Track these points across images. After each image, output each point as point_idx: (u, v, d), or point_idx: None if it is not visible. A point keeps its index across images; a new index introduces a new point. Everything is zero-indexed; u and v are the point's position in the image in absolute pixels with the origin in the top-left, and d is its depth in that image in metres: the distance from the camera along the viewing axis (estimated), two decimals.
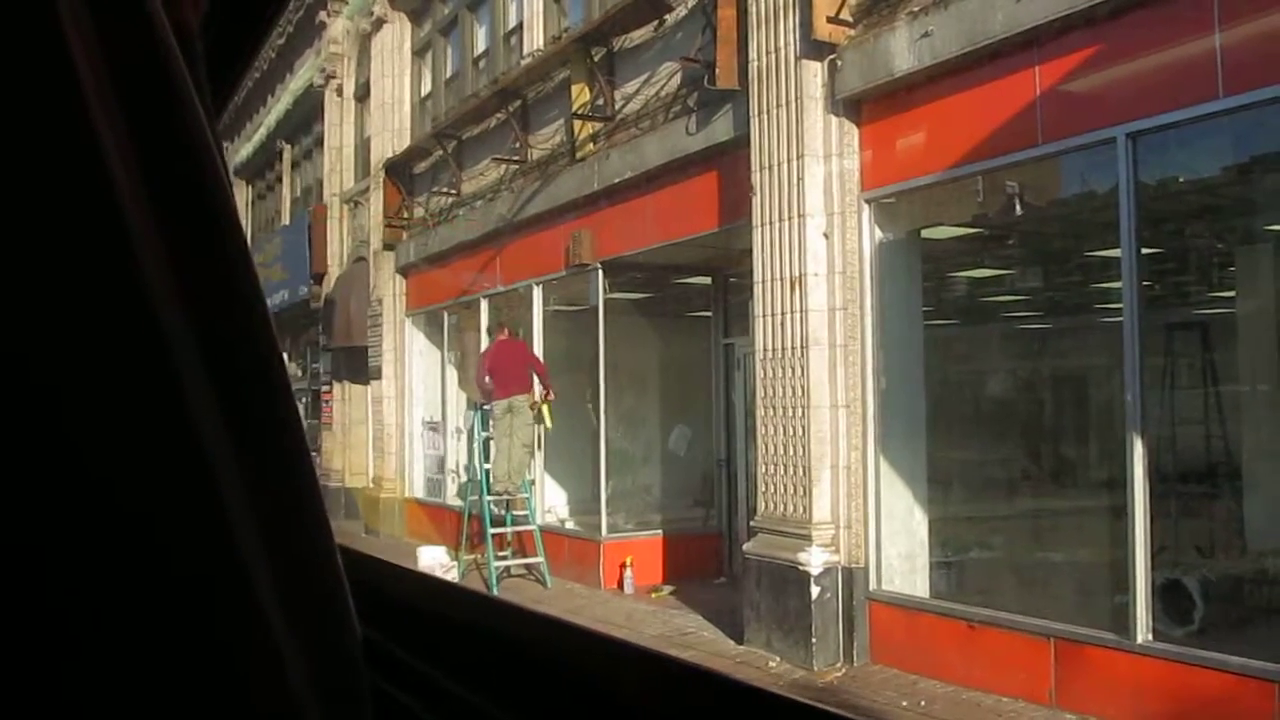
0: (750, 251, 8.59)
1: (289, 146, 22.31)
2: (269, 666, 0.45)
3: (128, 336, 0.43)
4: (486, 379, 11.69)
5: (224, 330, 0.47)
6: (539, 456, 12.33)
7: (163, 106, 0.47)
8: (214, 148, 0.50)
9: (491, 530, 11.64)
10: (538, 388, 11.64)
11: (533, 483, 12.09)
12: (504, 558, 11.83)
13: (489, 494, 11.74)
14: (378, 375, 16.71)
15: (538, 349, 12.49)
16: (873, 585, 7.91)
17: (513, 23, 13.54)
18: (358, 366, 17.47)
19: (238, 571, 0.44)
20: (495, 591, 10.84)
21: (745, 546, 8.70)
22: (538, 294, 12.62)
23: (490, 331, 12.69)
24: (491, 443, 11.81)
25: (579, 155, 11.41)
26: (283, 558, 0.47)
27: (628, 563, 10.95)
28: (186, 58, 0.49)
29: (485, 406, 11.86)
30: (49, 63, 0.42)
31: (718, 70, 8.82)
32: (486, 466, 11.82)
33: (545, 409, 11.70)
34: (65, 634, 0.40)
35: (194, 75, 0.49)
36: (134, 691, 0.41)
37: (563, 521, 12.63)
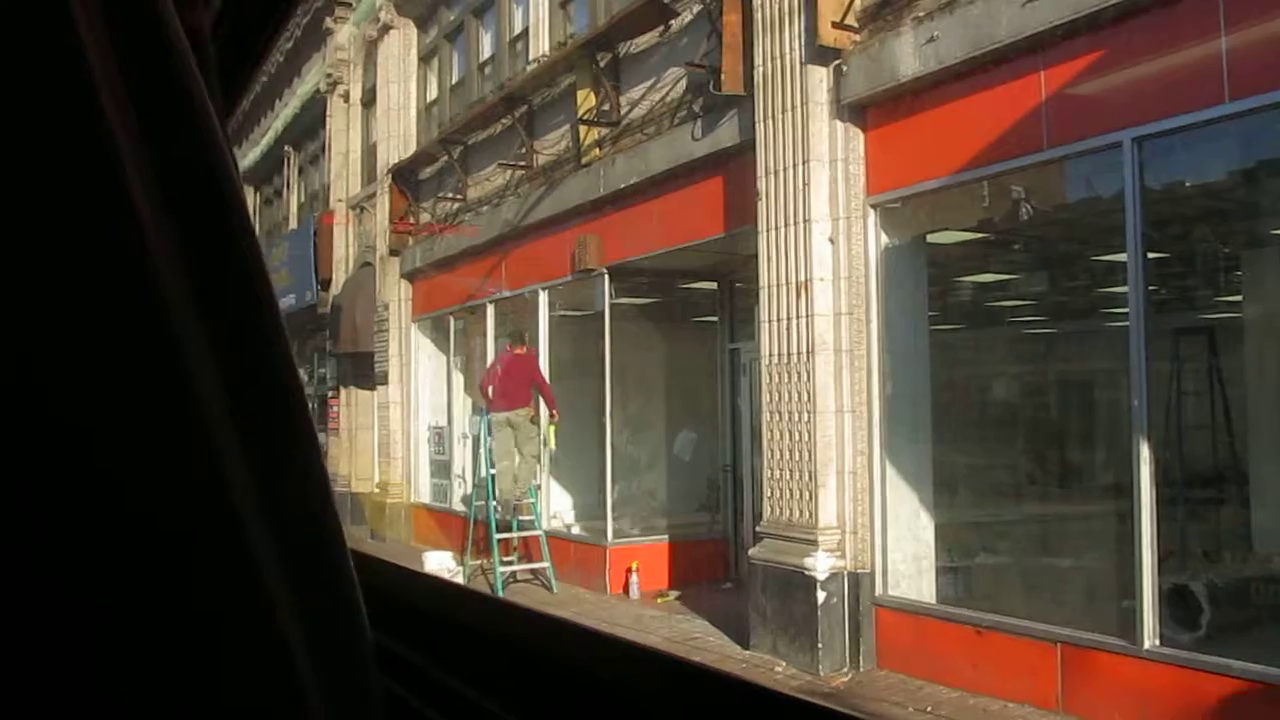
0: (756, 256, 8.59)
1: (295, 152, 22.35)
2: (280, 669, 0.45)
3: (141, 337, 0.43)
4: (489, 389, 11.70)
5: (236, 332, 0.47)
6: (544, 469, 12.27)
7: (176, 109, 0.47)
8: (226, 150, 0.50)
9: (497, 535, 11.63)
10: (543, 407, 11.61)
11: (539, 487, 12.08)
12: (510, 563, 11.83)
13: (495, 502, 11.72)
14: (384, 381, 16.71)
15: (543, 354, 12.50)
16: (879, 590, 7.90)
17: (518, 28, 13.57)
18: (364, 372, 17.48)
19: (249, 574, 0.44)
20: (501, 596, 10.84)
21: (751, 551, 8.69)
22: (544, 299, 12.63)
23: (501, 340, 12.68)
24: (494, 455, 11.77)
25: (585, 161, 11.42)
26: (295, 560, 0.47)
27: (633, 568, 10.94)
28: (199, 61, 0.49)
29: (487, 416, 11.84)
30: (64, 66, 0.42)
31: (723, 76, 8.83)
32: (493, 471, 11.81)
33: (551, 430, 11.67)
34: (75, 637, 0.40)
35: (206, 79, 0.50)
36: (144, 695, 0.41)
37: (568, 526, 12.62)
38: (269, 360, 0.50)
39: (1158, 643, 6.24)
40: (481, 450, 12.17)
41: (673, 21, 10.12)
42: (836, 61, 8.02)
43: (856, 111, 8.07)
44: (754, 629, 8.42)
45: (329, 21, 18.74)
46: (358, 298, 17.15)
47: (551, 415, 11.61)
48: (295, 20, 17.69)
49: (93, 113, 0.42)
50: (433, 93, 16.41)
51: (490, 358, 14.07)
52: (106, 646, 0.40)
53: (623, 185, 10.71)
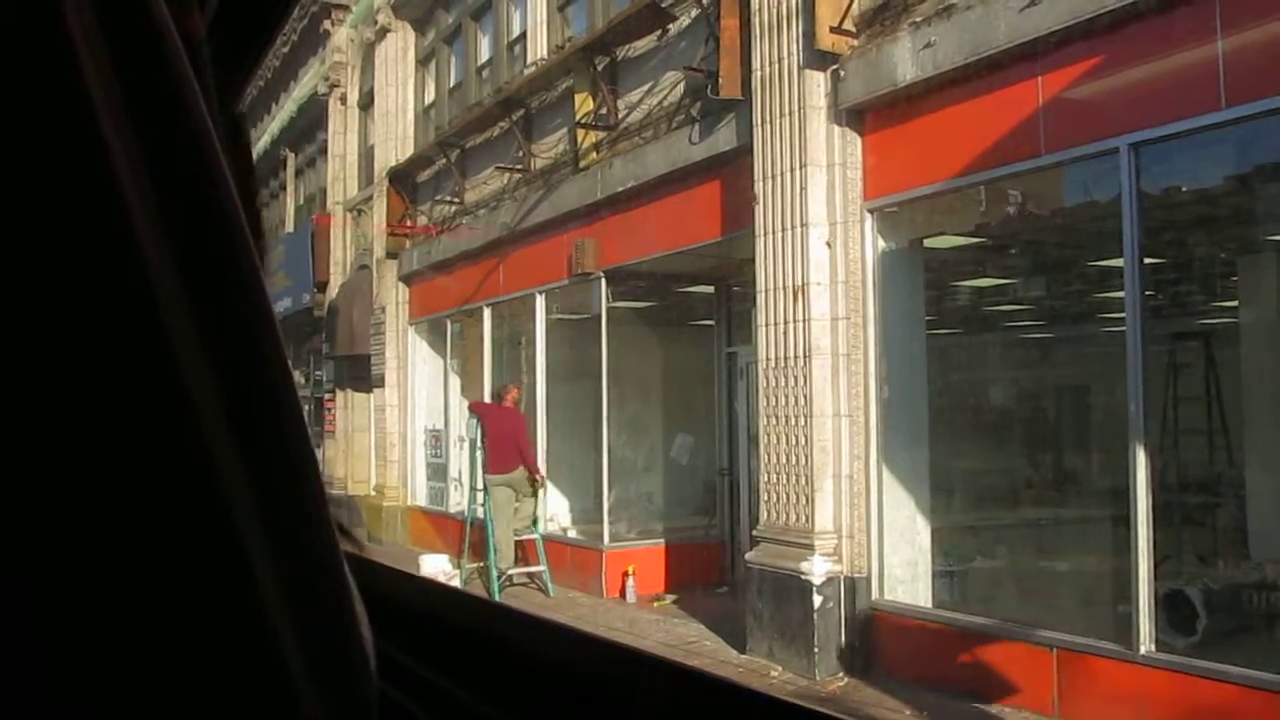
0: (753, 260, 8.60)
1: (292, 154, 22.35)
2: (274, 671, 0.45)
3: (133, 340, 0.43)
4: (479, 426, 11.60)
5: (231, 335, 0.47)
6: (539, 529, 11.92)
7: (170, 113, 0.47)
8: (221, 155, 0.50)
9: (494, 538, 11.61)
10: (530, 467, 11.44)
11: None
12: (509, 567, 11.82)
13: (495, 573, 11.51)
14: (380, 383, 16.72)
15: (540, 358, 12.51)
16: (875, 594, 7.90)
17: (516, 32, 13.58)
18: (360, 374, 17.49)
19: (243, 579, 0.44)
20: (497, 600, 10.81)
21: (747, 555, 8.69)
22: (540, 302, 12.63)
23: (498, 342, 12.55)
24: (490, 516, 11.53)
25: (582, 164, 11.43)
26: (289, 563, 0.46)
27: (630, 571, 10.93)
28: (194, 65, 0.49)
29: (485, 476, 11.58)
30: (56, 70, 0.42)
31: (721, 80, 8.84)
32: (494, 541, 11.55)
33: (539, 491, 11.51)
34: (65, 640, 0.40)
35: (201, 83, 0.50)
36: (135, 697, 0.41)
37: (565, 530, 12.61)
38: (263, 364, 0.50)
39: (1154, 648, 6.24)
40: (479, 455, 12.08)
41: (670, 25, 10.13)
42: (834, 66, 8.03)
43: (854, 116, 8.08)
44: (750, 633, 8.41)
45: (326, 24, 18.76)
46: (355, 300, 17.16)
47: (535, 478, 11.37)
48: (292, 23, 17.69)
49: (86, 118, 0.42)
50: (430, 96, 16.43)
51: (488, 363, 14.08)
52: (98, 648, 0.40)
53: (620, 189, 10.72)
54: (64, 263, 0.41)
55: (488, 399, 12.78)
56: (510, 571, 11.83)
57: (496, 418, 11.53)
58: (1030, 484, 10.52)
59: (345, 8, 18.51)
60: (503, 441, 11.30)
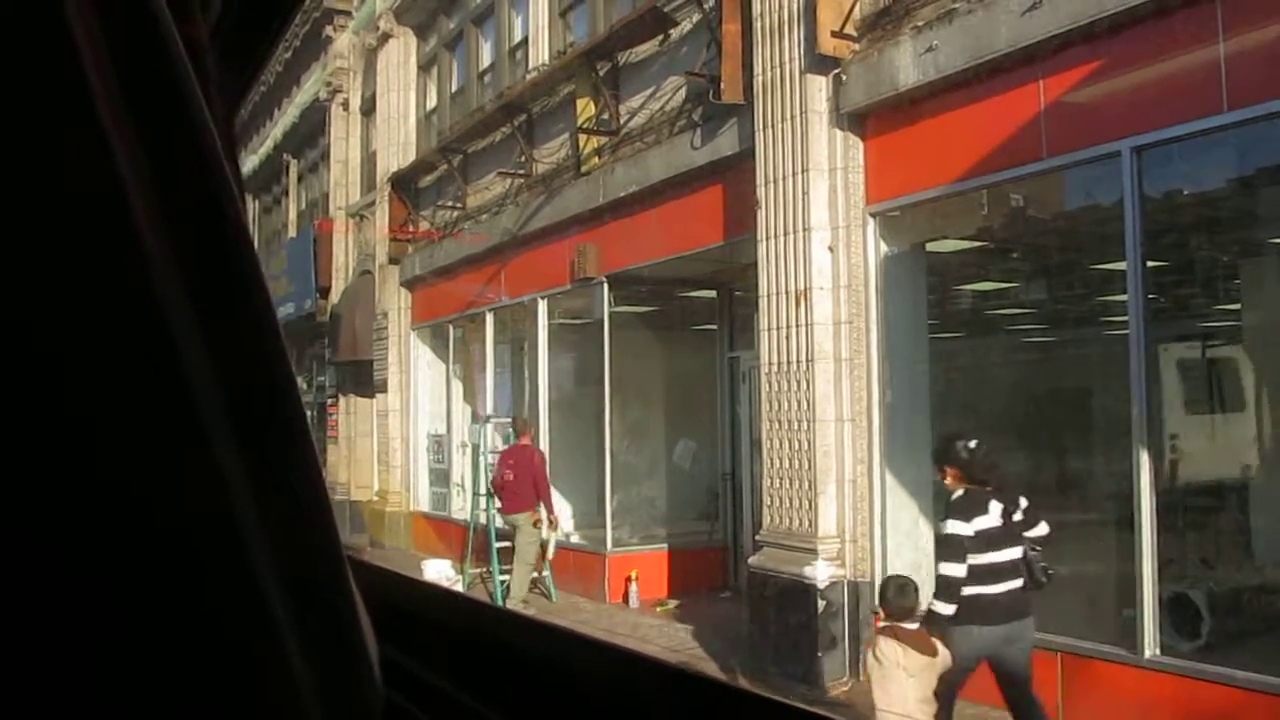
0: (755, 265, 8.60)
1: (295, 160, 22.37)
2: (278, 674, 0.45)
3: (137, 344, 0.43)
4: (501, 490, 11.30)
5: (233, 340, 0.48)
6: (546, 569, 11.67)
7: (173, 117, 0.47)
8: (224, 160, 0.50)
9: (496, 544, 11.62)
10: (542, 508, 11.11)
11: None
12: (509, 571, 11.79)
13: (499, 578, 11.48)
14: (383, 389, 16.72)
15: (542, 363, 12.50)
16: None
17: (518, 37, 13.60)
18: (363, 380, 17.49)
19: (246, 580, 0.44)
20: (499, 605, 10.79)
21: (750, 560, 8.68)
22: (543, 307, 12.63)
23: (501, 349, 12.43)
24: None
25: (584, 169, 11.43)
26: (292, 566, 0.47)
27: (633, 576, 10.92)
28: (197, 71, 0.49)
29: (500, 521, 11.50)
30: (62, 76, 0.42)
31: (722, 84, 8.84)
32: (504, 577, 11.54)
33: (552, 537, 11.13)
34: (71, 640, 0.40)
35: (205, 89, 0.50)
36: (140, 698, 0.41)
37: (568, 535, 12.60)
38: (266, 368, 0.50)
39: (1158, 652, 6.23)
40: (483, 461, 12.11)
41: (672, 30, 10.14)
42: (836, 70, 8.03)
43: (856, 120, 8.08)
44: (753, 637, 8.40)
45: (328, 30, 18.78)
46: (357, 306, 17.17)
47: (550, 520, 11.05)
48: (294, 29, 17.71)
49: (92, 122, 0.42)
50: (432, 101, 16.44)
51: (490, 367, 14.08)
52: (103, 650, 0.40)
53: (622, 194, 10.73)
54: (68, 266, 0.41)
55: (488, 410, 12.75)
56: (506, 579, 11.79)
57: (516, 456, 11.27)
58: (1034, 487, 10.48)
59: (347, 13, 18.55)
60: (518, 478, 11.04)
